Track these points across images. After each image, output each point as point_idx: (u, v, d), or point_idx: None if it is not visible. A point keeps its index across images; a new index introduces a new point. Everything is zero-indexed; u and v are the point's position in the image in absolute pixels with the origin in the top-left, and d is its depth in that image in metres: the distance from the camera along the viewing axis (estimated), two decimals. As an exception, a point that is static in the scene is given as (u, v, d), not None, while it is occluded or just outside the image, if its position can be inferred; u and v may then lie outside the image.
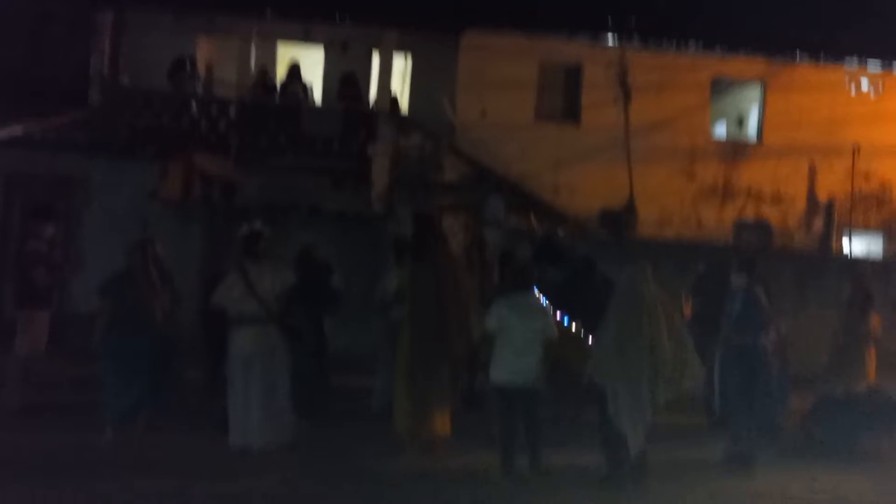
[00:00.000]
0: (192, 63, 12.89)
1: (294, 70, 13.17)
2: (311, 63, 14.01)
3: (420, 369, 6.04)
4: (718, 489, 5.72)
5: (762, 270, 6.67)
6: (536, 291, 5.92)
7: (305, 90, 13.31)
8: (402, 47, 13.19)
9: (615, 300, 5.73)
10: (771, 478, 6.00)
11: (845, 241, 13.71)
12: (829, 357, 8.10)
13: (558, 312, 6.92)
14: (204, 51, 13.44)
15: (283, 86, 13.14)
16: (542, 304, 5.79)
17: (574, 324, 6.80)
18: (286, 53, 14.05)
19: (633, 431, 5.45)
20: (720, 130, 15.58)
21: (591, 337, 6.01)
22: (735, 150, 14.21)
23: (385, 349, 6.95)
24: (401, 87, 14.19)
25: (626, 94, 13.48)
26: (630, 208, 13.13)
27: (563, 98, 13.94)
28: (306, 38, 13.73)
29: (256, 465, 5.62)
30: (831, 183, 13.97)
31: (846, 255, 13.05)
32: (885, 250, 14.02)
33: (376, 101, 12.63)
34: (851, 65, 13.94)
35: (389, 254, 7.64)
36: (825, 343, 8.25)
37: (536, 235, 10.38)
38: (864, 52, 13.86)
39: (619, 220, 12.93)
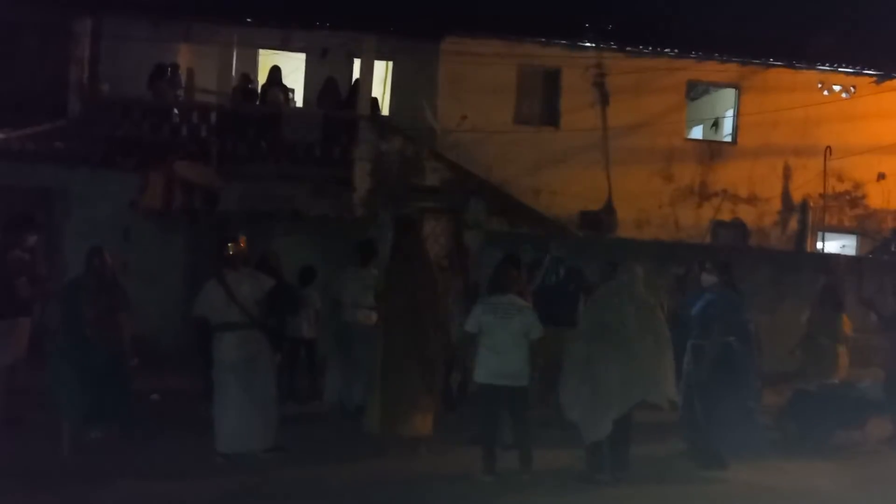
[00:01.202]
0: (174, 70, 12.88)
1: (275, 75, 13.19)
2: (293, 69, 14.05)
3: (393, 370, 6.12)
4: (692, 485, 5.84)
5: (733, 270, 6.75)
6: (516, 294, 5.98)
7: (287, 95, 13.33)
8: (383, 53, 13.28)
9: (601, 297, 5.86)
10: (745, 471, 6.13)
11: (819, 240, 13.98)
12: (801, 356, 8.28)
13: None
14: (184, 58, 13.43)
15: (264, 91, 13.15)
16: (521, 305, 5.84)
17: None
18: (267, 60, 14.08)
19: (585, 423, 5.58)
20: (696, 133, 15.83)
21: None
22: (711, 151, 14.43)
23: (342, 350, 7.06)
24: (382, 92, 14.27)
25: (603, 98, 13.70)
26: (609, 209, 13.32)
27: (542, 102, 14.10)
28: (287, 45, 13.77)
29: (240, 469, 5.68)
30: (806, 183, 14.24)
31: (820, 254, 13.30)
32: (858, 249, 14.31)
33: (358, 107, 12.68)
34: (823, 68, 14.21)
35: (354, 255, 7.51)
36: (799, 338, 8.43)
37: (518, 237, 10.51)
38: (835, 57, 14.14)
39: (599, 221, 13.11)
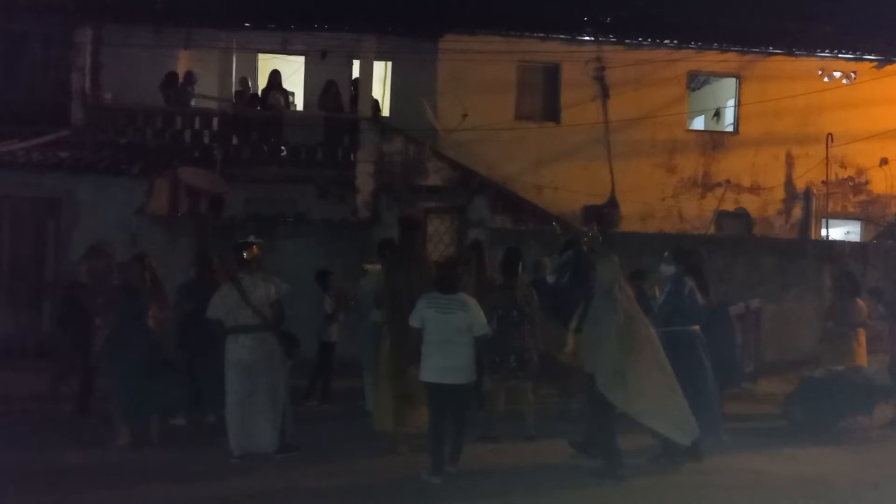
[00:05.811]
0: (189, 78, 12.89)
1: (275, 78, 13.26)
2: (292, 72, 14.11)
3: (399, 369, 6.14)
4: (697, 475, 5.81)
5: (695, 261, 6.58)
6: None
7: (287, 98, 13.40)
8: (382, 54, 13.32)
9: (595, 294, 5.91)
10: (753, 459, 6.17)
11: (824, 227, 13.98)
12: (818, 343, 8.24)
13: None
14: (184, 64, 13.50)
15: (265, 94, 13.22)
16: (466, 303, 5.68)
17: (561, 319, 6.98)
18: (267, 64, 14.14)
19: (676, 428, 5.57)
20: (698, 124, 15.81)
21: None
22: (713, 141, 14.43)
23: (367, 350, 7.10)
24: (382, 93, 14.31)
25: (603, 91, 13.72)
26: (612, 204, 13.35)
27: (543, 97, 14.11)
28: (286, 48, 13.82)
29: (255, 469, 5.74)
30: (808, 171, 14.23)
31: (825, 241, 13.30)
32: (862, 235, 14.31)
33: (358, 108, 12.74)
34: (823, 55, 14.18)
35: (375, 256, 7.55)
36: (805, 326, 8.43)
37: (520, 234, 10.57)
38: (834, 43, 14.11)
39: (602, 215, 13.13)
